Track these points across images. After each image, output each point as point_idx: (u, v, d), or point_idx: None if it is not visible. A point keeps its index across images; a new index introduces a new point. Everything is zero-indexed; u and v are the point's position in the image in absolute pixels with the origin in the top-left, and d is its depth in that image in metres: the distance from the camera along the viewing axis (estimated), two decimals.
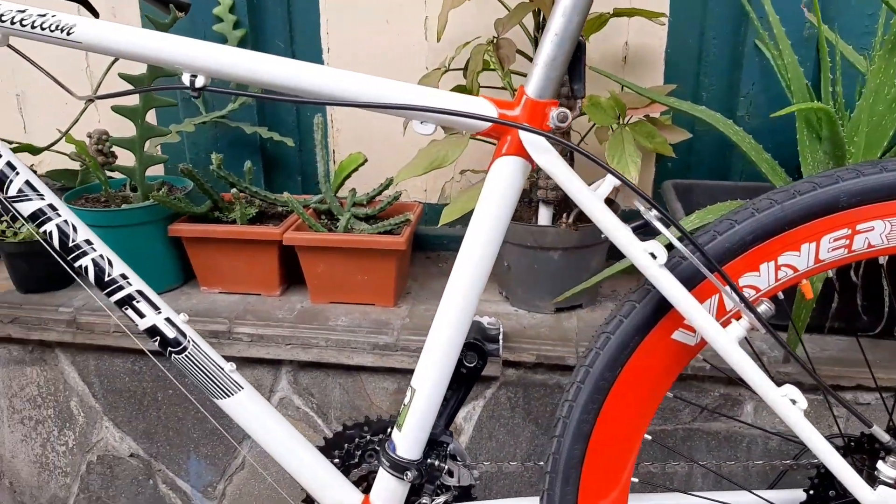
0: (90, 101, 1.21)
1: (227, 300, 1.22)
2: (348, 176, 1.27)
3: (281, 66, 0.78)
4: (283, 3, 1.32)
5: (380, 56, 1.33)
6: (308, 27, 1.34)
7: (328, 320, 1.15)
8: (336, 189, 1.28)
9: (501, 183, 0.77)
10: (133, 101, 1.19)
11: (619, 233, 0.74)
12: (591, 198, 0.75)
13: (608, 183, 0.78)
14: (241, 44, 1.28)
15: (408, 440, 0.86)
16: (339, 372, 1.16)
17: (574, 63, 0.77)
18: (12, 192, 0.85)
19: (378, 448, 0.98)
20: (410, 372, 1.14)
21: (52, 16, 0.82)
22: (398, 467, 0.86)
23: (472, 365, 0.93)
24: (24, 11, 0.82)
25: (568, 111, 0.76)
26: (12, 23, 0.82)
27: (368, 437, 0.99)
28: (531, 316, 1.16)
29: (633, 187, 0.75)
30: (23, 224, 1.25)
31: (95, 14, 0.93)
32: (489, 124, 0.76)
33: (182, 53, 0.78)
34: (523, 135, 0.75)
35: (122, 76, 1.13)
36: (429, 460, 0.88)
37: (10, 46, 0.84)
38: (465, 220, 1.19)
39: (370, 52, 1.33)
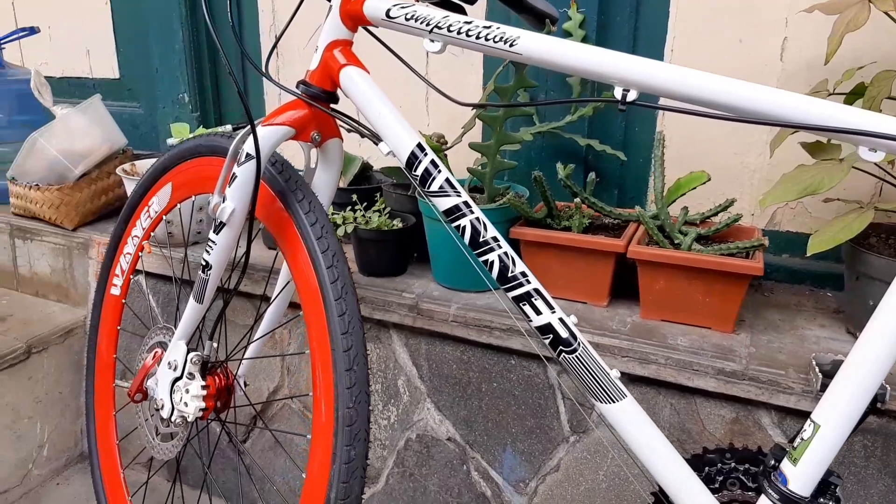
0: (480, 108, 1.30)
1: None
2: (683, 194, 1.26)
3: (717, 84, 0.79)
4: (632, 20, 1.34)
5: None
6: (653, 44, 1.35)
7: (666, 338, 1.15)
8: (667, 205, 1.27)
9: None
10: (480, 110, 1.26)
11: None
12: None
13: None
14: None
15: (803, 475, 0.82)
16: (671, 392, 1.15)
17: None
18: (434, 187, 0.93)
19: (742, 477, 0.96)
20: (752, 403, 1.11)
21: (497, 28, 0.89)
22: (790, 502, 0.83)
23: None
24: (469, 23, 0.90)
25: None
26: (458, 33, 0.90)
27: (732, 464, 0.97)
28: None
29: None
30: (374, 213, 1.38)
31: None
32: None
33: (619, 67, 0.81)
34: None
35: (497, 88, 1.20)
36: (821, 500, 0.84)
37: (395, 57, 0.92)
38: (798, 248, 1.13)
39: (715, 72, 1.31)
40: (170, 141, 1.70)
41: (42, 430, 1.58)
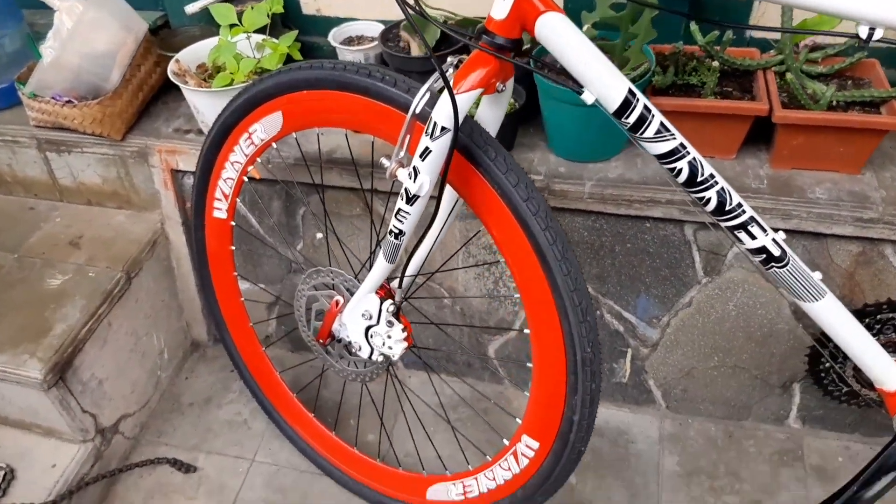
0: None
1: None
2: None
3: None
4: None
5: None
6: None
7: (804, 192, 1.22)
8: (791, 47, 1.24)
9: None
10: None
11: None
12: None
13: None
14: None
15: None
16: (806, 236, 1.26)
17: None
18: (649, 133, 0.89)
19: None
20: (881, 241, 1.23)
21: None
22: None
23: None
24: None
25: None
26: None
27: (889, 314, 1.13)
28: None
29: None
30: None
31: None
32: None
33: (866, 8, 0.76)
34: None
35: None
36: None
37: None
38: None
39: None
40: (189, 8, 1.45)
41: (158, 339, 1.59)
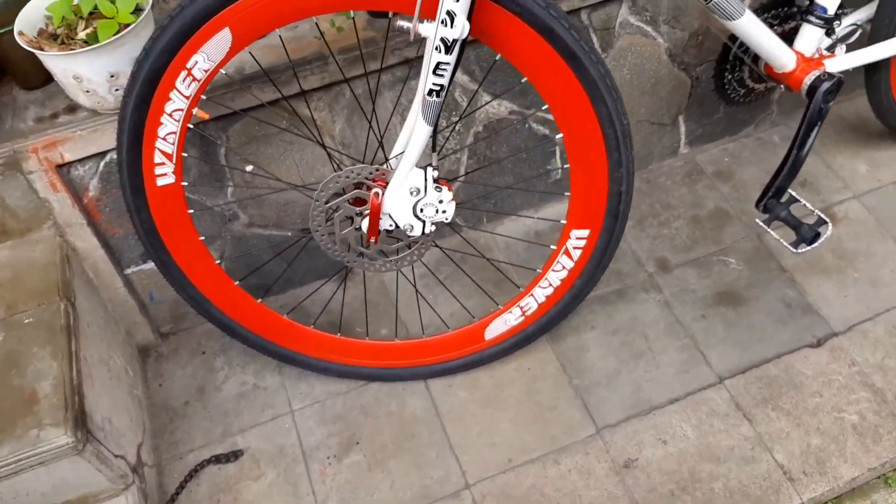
0: None
1: None
2: None
3: None
4: None
5: None
6: None
7: None
8: None
9: None
10: None
11: None
12: None
13: None
14: None
15: (834, 2, 1.31)
16: None
17: None
18: None
19: (771, 20, 1.41)
20: None
21: None
22: (827, 21, 1.32)
23: None
24: None
25: None
26: None
27: (766, 15, 1.40)
28: None
29: None
30: None
31: None
32: None
33: None
34: None
35: None
36: (838, 12, 1.34)
37: None
38: None
39: None
40: None
41: (118, 358, 1.38)
